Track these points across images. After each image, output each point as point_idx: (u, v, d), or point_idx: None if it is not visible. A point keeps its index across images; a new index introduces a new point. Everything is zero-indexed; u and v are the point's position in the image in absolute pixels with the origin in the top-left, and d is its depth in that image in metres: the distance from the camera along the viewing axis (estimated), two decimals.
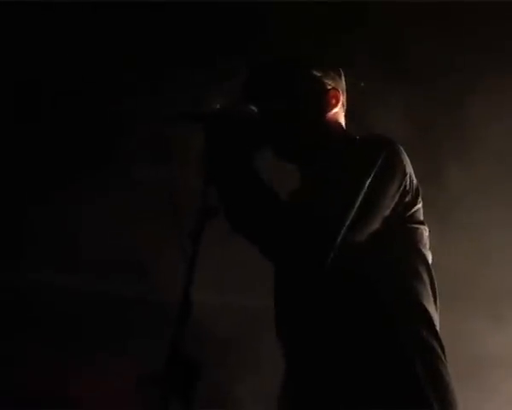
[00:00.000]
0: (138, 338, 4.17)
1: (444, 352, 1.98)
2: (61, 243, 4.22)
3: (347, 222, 1.85)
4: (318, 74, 2.20)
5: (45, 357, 4.22)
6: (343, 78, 2.28)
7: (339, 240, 1.83)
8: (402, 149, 2.03)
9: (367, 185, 1.89)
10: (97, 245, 4.13)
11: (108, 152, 4.07)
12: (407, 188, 1.99)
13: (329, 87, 2.21)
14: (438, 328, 2.01)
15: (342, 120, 2.25)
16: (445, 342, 1.99)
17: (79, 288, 4.36)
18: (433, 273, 2.05)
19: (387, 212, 1.95)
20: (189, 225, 1.89)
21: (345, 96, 2.26)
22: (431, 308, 2.00)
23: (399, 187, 1.97)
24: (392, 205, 1.96)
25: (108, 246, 4.13)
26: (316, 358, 1.97)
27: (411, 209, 2.02)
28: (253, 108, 2.08)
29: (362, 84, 4.13)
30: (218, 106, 2.03)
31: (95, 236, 4.12)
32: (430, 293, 2.02)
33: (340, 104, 2.22)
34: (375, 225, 1.92)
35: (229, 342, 4.21)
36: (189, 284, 1.77)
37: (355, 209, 1.86)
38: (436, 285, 2.05)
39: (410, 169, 2.02)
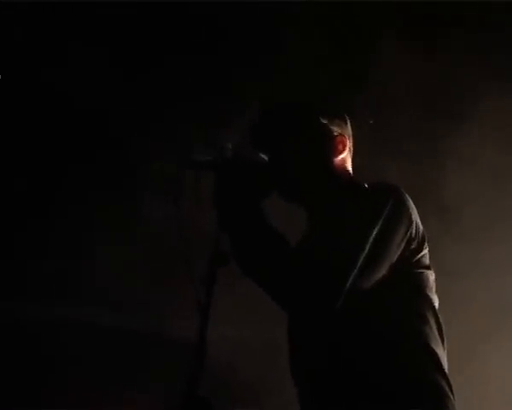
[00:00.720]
0: (152, 374, 4.22)
1: (452, 390, 2.04)
2: (77, 279, 4.28)
3: (356, 269, 1.91)
4: (325, 121, 2.26)
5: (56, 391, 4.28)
6: (349, 124, 2.33)
7: (348, 286, 1.89)
8: (407, 196, 2.09)
9: (374, 234, 1.95)
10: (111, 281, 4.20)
11: (120, 189, 4.16)
12: (413, 235, 2.05)
13: (336, 133, 2.26)
14: (446, 368, 2.07)
15: (349, 166, 2.31)
16: None
17: (94, 322, 4.43)
18: (440, 317, 2.11)
19: (394, 259, 2.01)
20: (200, 262, 1.97)
21: (351, 142, 2.32)
22: (439, 350, 2.05)
23: (405, 235, 2.03)
24: (399, 252, 2.02)
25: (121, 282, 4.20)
26: (328, 397, 2.03)
27: (417, 255, 2.08)
28: (262, 154, 2.16)
29: (371, 122, 4.23)
30: (228, 151, 2.10)
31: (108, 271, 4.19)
32: (437, 336, 2.07)
33: (347, 150, 2.28)
34: (383, 271, 1.98)
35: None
36: (203, 331, 1.85)
37: (363, 257, 1.92)
38: (443, 328, 2.11)
39: (415, 216, 2.08)
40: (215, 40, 3.77)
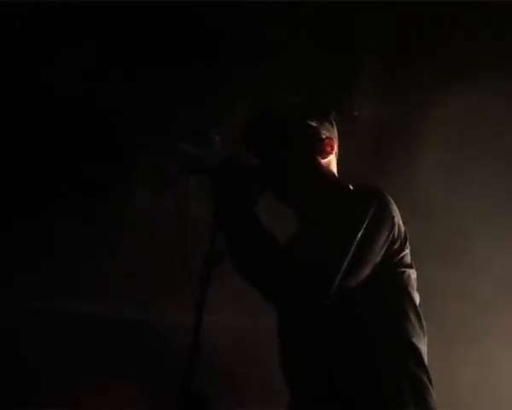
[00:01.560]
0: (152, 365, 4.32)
1: (431, 383, 2.17)
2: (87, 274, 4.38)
3: (341, 271, 2.03)
4: (314, 124, 2.36)
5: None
6: (335, 126, 2.44)
7: (334, 287, 2.01)
8: (390, 199, 2.21)
9: (359, 236, 2.07)
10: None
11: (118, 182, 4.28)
12: (395, 236, 2.17)
13: (324, 136, 2.37)
14: (426, 360, 2.19)
15: (335, 168, 2.41)
16: None
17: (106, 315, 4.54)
18: (421, 313, 2.23)
19: (378, 259, 2.13)
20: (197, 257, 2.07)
21: (337, 145, 2.42)
22: (420, 345, 2.18)
23: (388, 237, 2.15)
24: (382, 253, 2.14)
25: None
26: (315, 389, 2.16)
27: (399, 255, 2.20)
28: (255, 156, 2.27)
29: (355, 113, 4.35)
30: (216, 144, 2.21)
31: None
32: (419, 331, 2.20)
33: (334, 152, 2.40)
34: (367, 272, 2.10)
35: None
36: (198, 328, 1.96)
37: (348, 258, 2.04)
38: (424, 324, 2.23)
39: (398, 219, 2.20)
40: (206, 39, 3.86)
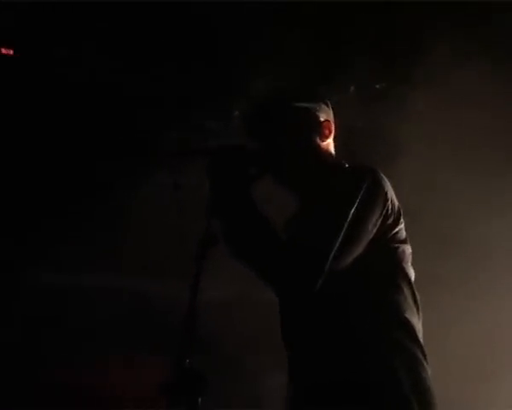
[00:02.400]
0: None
1: (425, 357, 2.19)
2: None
3: (334, 250, 2.06)
4: (313, 108, 2.41)
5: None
6: (331, 109, 2.48)
7: (327, 266, 2.05)
8: (383, 175, 2.23)
9: (351, 215, 2.10)
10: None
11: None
12: (389, 213, 2.20)
13: (322, 119, 2.41)
14: (420, 336, 2.22)
15: (332, 149, 2.45)
16: None
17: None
18: (414, 287, 2.26)
19: (371, 236, 2.16)
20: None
21: (333, 127, 2.46)
22: (413, 319, 2.20)
23: (381, 214, 2.18)
24: (375, 230, 2.17)
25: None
26: (311, 362, 2.20)
27: (393, 230, 2.23)
28: (255, 141, 2.32)
29: (352, 88, 4.38)
30: (236, 118, 2.25)
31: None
32: (413, 306, 2.22)
33: (332, 134, 2.44)
34: (359, 250, 2.14)
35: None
36: (193, 305, 2.02)
37: (340, 238, 2.08)
38: (418, 298, 2.25)
39: (391, 194, 2.23)
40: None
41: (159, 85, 4.22)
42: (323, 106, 2.44)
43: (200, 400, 1.91)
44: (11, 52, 3.88)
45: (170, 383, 1.92)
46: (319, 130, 2.40)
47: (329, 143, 2.44)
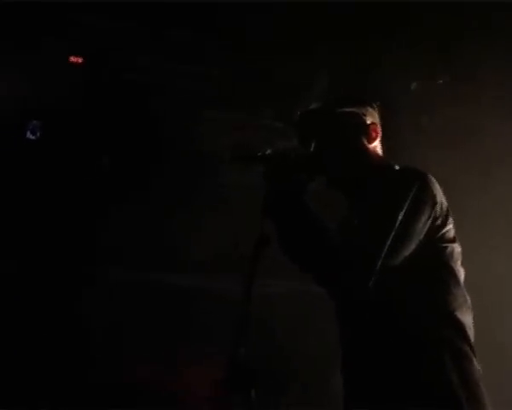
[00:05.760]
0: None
1: (475, 356, 2.24)
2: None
3: (384, 251, 2.14)
4: (361, 112, 2.49)
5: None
6: (377, 112, 2.55)
7: (378, 266, 2.13)
8: (433, 179, 2.29)
9: (401, 217, 2.17)
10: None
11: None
12: (437, 214, 2.27)
13: (369, 122, 2.50)
14: (470, 333, 2.27)
15: (380, 151, 2.53)
16: None
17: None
18: (463, 287, 2.31)
19: (421, 237, 2.22)
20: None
21: (380, 129, 2.53)
22: (463, 317, 2.25)
23: (430, 215, 2.25)
24: (424, 232, 2.23)
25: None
26: (365, 362, 2.28)
27: (441, 230, 2.29)
28: (308, 146, 2.41)
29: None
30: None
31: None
32: (462, 304, 2.27)
33: (379, 136, 2.52)
34: (409, 250, 2.21)
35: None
36: (248, 301, 2.11)
37: (390, 239, 2.15)
38: (468, 298, 2.30)
39: (440, 197, 2.29)
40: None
41: (227, 85, 4.34)
42: (370, 109, 2.53)
43: (253, 392, 2.00)
44: (80, 60, 4.04)
45: (224, 379, 2.01)
46: (367, 133, 2.48)
47: (377, 146, 2.52)
